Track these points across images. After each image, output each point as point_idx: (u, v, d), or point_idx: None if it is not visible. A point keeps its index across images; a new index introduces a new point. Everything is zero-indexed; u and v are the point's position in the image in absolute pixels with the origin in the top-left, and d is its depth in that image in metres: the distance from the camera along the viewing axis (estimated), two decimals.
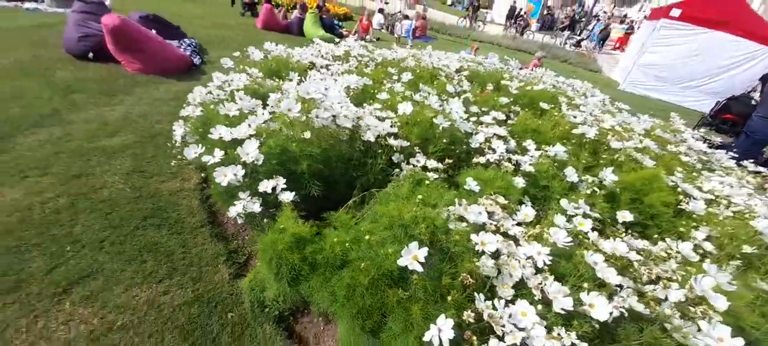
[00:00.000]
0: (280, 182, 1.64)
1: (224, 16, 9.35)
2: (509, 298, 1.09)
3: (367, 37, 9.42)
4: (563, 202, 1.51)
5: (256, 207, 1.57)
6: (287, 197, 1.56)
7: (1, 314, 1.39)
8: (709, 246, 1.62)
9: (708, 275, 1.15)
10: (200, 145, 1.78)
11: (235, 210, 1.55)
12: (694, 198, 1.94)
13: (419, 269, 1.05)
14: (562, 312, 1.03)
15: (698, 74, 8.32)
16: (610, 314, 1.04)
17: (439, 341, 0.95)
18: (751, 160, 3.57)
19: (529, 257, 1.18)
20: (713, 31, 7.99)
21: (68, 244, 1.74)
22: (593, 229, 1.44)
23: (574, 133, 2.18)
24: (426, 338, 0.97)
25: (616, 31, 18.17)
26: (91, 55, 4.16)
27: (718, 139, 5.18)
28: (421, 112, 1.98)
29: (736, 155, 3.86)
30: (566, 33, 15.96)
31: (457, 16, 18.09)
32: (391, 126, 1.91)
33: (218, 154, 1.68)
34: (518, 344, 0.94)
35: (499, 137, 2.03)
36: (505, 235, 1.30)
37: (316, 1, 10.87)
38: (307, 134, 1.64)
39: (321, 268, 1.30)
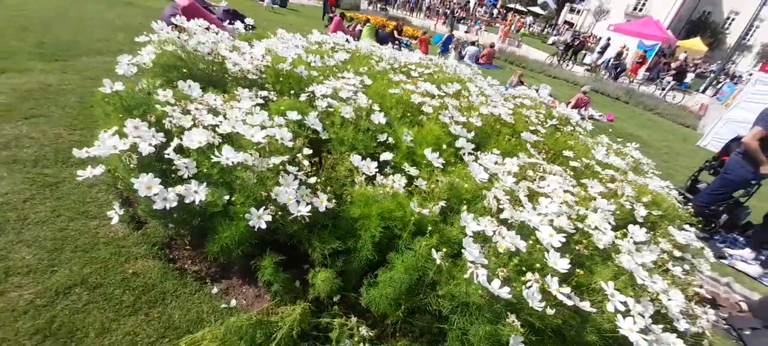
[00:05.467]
0: (157, 81, 2.45)
1: (310, 26, 11.11)
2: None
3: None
4: (310, 117, 1.92)
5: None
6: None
7: None
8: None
9: None
10: None
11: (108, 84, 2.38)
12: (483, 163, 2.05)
13: None
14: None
15: None
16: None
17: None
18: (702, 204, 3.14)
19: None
20: None
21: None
22: None
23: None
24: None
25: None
26: None
27: None
28: (276, 57, 2.56)
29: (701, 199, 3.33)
30: (669, 81, 13.90)
31: (548, 54, 17.34)
32: (255, 68, 2.55)
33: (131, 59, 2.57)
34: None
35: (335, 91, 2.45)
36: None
37: (395, 25, 12.07)
38: (170, 48, 2.40)
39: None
